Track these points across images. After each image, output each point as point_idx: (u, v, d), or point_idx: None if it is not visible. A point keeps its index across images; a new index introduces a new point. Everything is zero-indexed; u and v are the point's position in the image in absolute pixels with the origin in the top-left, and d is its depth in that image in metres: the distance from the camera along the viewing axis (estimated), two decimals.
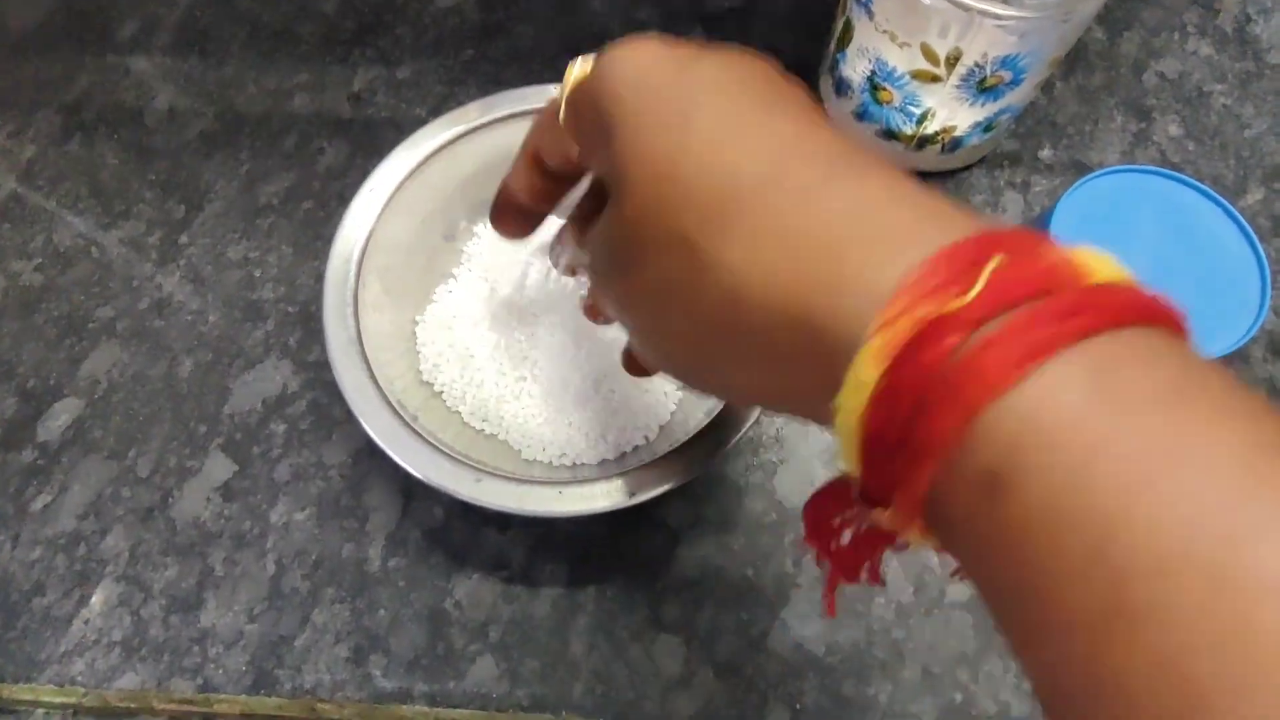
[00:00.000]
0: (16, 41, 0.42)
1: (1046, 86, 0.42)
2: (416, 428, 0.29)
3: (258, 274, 0.37)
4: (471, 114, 0.34)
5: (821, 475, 0.34)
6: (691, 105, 0.15)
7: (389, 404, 0.29)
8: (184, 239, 0.37)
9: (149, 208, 0.38)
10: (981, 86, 0.33)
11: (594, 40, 0.44)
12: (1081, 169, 0.40)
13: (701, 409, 0.31)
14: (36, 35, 0.42)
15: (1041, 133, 0.41)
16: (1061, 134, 0.41)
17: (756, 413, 0.29)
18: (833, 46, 0.37)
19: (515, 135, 0.35)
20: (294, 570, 0.32)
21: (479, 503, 0.27)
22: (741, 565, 0.32)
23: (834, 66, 0.37)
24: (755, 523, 0.33)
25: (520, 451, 0.32)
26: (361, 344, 0.30)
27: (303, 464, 0.33)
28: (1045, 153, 0.40)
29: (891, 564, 0.32)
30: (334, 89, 0.41)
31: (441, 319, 0.34)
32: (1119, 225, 0.37)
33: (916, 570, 0.32)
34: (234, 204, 0.38)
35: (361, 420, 0.28)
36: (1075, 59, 0.42)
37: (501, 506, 0.27)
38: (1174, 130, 0.41)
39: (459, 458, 0.28)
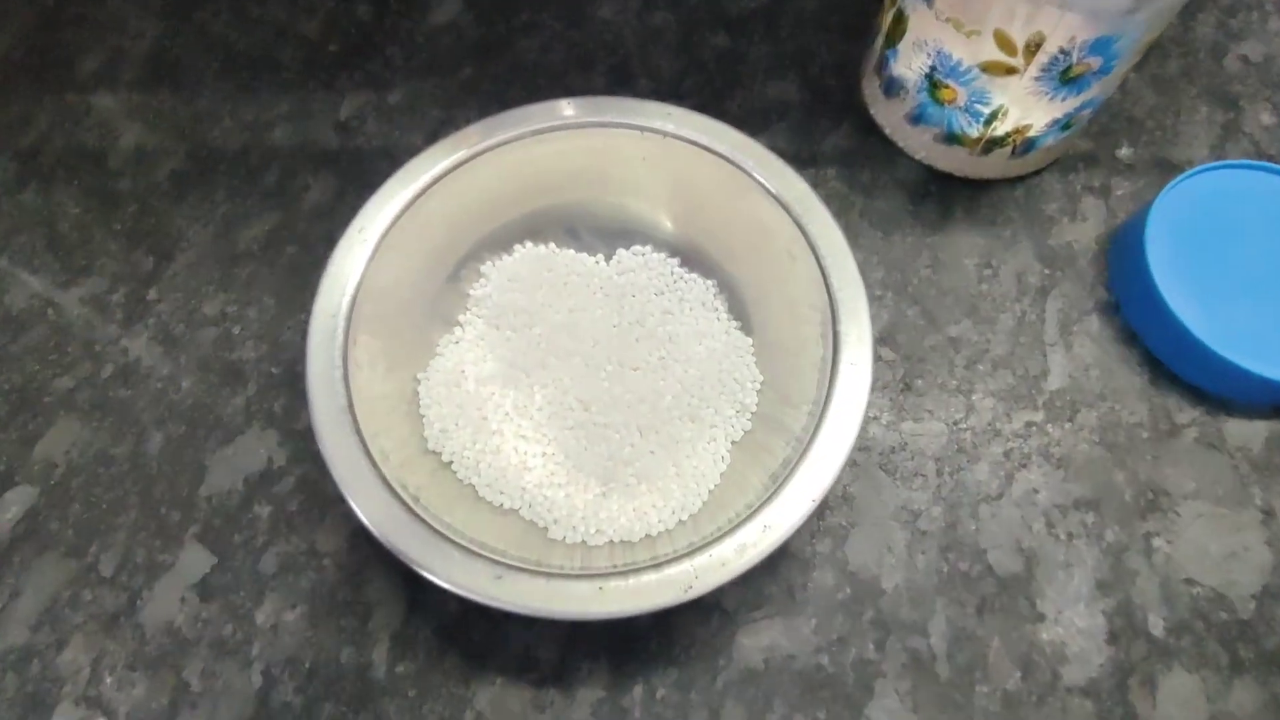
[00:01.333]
0: None
1: None
2: (419, 510, 0.24)
3: (236, 331, 0.32)
4: (472, 138, 0.29)
5: (900, 540, 0.29)
6: None
7: (386, 484, 0.24)
8: (152, 294, 0.33)
9: (113, 261, 0.34)
10: (1065, 77, 0.28)
11: (606, 51, 0.40)
12: (1167, 168, 0.35)
13: (763, 470, 0.26)
14: None
15: (1118, 129, 0.36)
16: (1140, 130, 0.36)
17: (833, 475, 0.24)
18: (880, 43, 0.33)
19: (521, 158, 0.30)
20: (285, 682, 0.27)
21: (499, 605, 0.22)
22: (814, 652, 0.27)
23: (882, 65, 0.33)
24: (826, 600, 0.28)
25: (546, 529, 0.27)
26: (353, 412, 0.25)
27: (292, 552, 0.29)
28: (1124, 151, 0.36)
29: (993, 643, 0.27)
30: (319, 118, 0.37)
31: (447, 376, 0.29)
32: (1221, 228, 0.32)
33: (1023, 650, 0.27)
34: (208, 252, 0.34)
35: (355, 507, 0.24)
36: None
37: (528, 609, 0.22)
38: (1266, 119, 0.36)
39: (473, 548, 0.23)
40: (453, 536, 0.23)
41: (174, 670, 0.27)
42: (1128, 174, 0.35)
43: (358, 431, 0.25)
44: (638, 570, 0.23)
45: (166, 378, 0.32)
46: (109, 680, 0.27)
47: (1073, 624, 0.28)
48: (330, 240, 0.33)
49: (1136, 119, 0.36)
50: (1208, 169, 0.32)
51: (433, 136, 0.36)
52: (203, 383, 0.31)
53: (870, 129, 0.36)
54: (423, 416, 0.28)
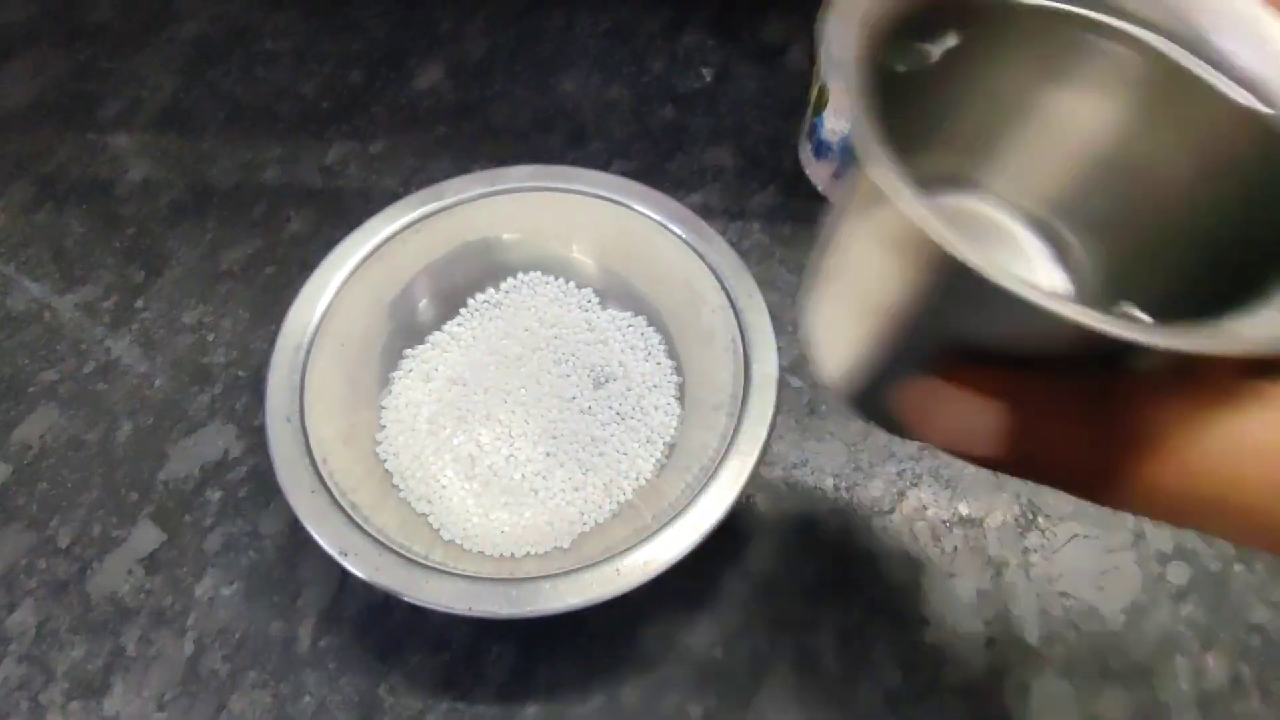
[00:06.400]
0: (3, 120, 0.43)
1: None
2: (351, 510, 0.26)
3: (211, 338, 0.36)
4: (446, 191, 0.33)
5: (799, 545, 0.31)
6: None
7: (322, 481, 0.26)
8: (140, 303, 0.37)
9: (109, 273, 0.38)
10: None
11: (565, 117, 0.45)
12: None
13: (680, 479, 0.29)
14: (23, 114, 0.43)
15: None
16: None
17: (732, 497, 0.26)
18: (809, 113, 0.38)
19: (477, 215, 0.34)
20: (214, 650, 0.29)
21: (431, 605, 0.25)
22: (709, 645, 0.29)
23: (812, 131, 0.38)
24: (725, 597, 0.30)
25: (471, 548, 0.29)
26: (303, 414, 0.28)
27: (236, 533, 0.31)
28: None
29: (877, 644, 0.29)
30: (306, 162, 0.41)
31: (400, 415, 0.32)
32: None
33: (903, 650, 0.29)
34: (194, 270, 0.38)
35: (288, 494, 0.26)
36: None
37: (440, 606, 0.25)
38: None
39: (395, 546, 0.26)
40: (379, 536, 0.26)
41: (113, 636, 0.29)
42: None
43: (304, 430, 0.28)
44: (556, 576, 0.25)
45: (142, 375, 0.35)
46: (51, 642, 0.29)
47: (954, 629, 0.30)
48: (304, 264, 0.37)
49: None
50: None
51: (407, 181, 0.41)
52: (174, 381, 0.35)
53: (795, 190, 0.40)
54: (378, 451, 0.31)
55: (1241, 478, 0.11)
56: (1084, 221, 0.16)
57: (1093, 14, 0.14)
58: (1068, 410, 0.12)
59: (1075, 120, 0.16)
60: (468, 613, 0.24)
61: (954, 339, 0.13)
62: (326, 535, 0.25)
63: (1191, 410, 0.11)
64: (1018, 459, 0.12)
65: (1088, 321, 0.10)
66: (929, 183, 0.16)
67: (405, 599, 0.25)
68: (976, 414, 0.12)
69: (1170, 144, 0.15)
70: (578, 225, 0.34)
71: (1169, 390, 0.11)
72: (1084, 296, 0.16)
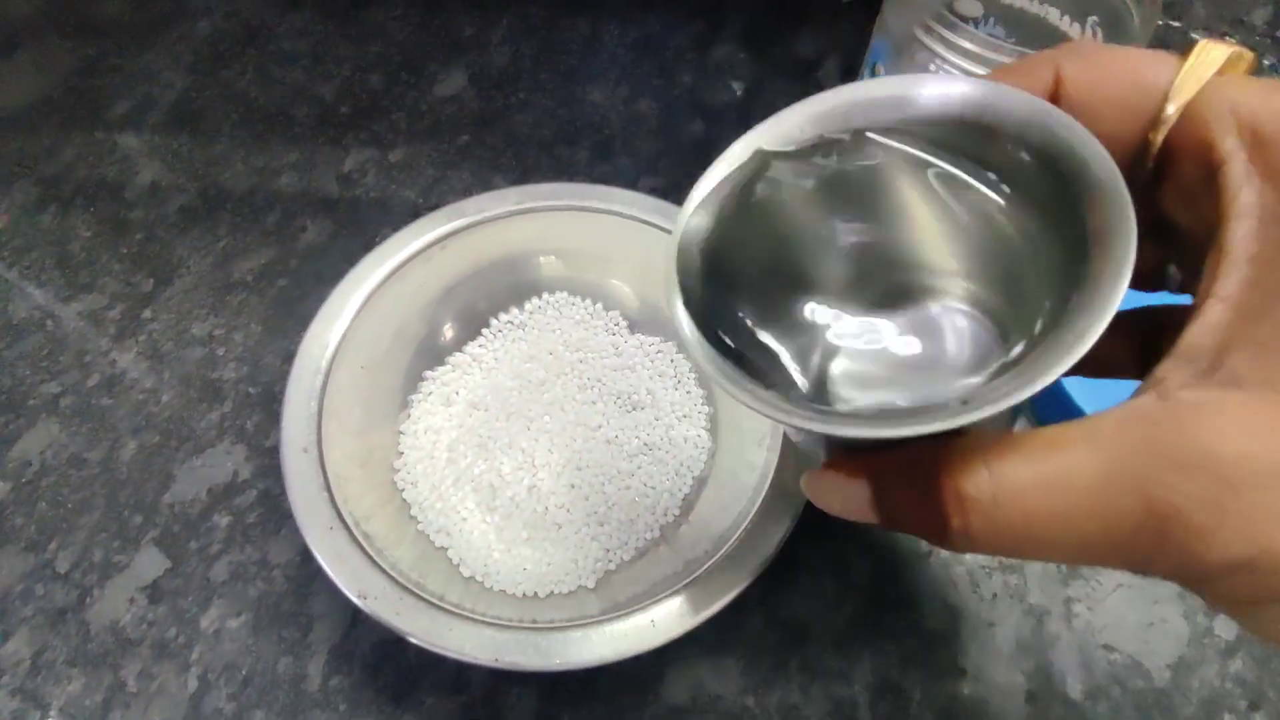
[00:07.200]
0: (6, 117, 0.41)
1: None
2: (367, 545, 0.25)
3: (221, 352, 0.34)
4: (468, 208, 0.32)
5: (833, 590, 0.30)
6: None
7: (338, 513, 0.25)
8: (147, 314, 0.35)
9: (115, 281, 0.36)
10: None
11: (591, 130, 0.44)
12: None
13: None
14: (28, 111, 0.42)
15: None
16: None
17: (775, 542, 0.25)
18: None
19: (502, 233, 0.33)
20: (219, 688, 0.27)
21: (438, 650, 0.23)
22: (739, 693, 0.28)
23: None
24: (755, 643, 0.29)
25: (492, 586, 0.28)
26: (320, 436, 0.27)
27: (244, 562, 0.30)
28: None
29: (914, 696, 0.28)
30: (323, 169, 0.40)
31: (419, 441, 0.30)
32: None
33: (941, 703, 0.28)
34: (205, 279, 0.36)
35: (303, 530, 0.25)
36: None
37: (521, 665, 0.23)
38: None
39: (416, 590, 0.24)
40: (396, 574, 0.25)
41: (112, 669, 0.28)
42: None
43: (321, 462, 0.26)
44: (587, 625, 0.24)
45: (149, 390, 0.33)
46: (47, 674, 0.27)
47: (993, 681, 0.28)
48: (320, 277, 0.36)
49: None
50: None
51: (426, 191, 0.39)
52: (182, 397, 0.33)
53: None
54: (394, 476, 0.29)
55: (1032, 511, 0.13)
56: (992, 286, 0.19)
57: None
58: (904, 480, 0.15)
59: (949, 207, 0.18)
60: (495, 664, 0.23)
61: (827, 445, 0.18)
62: (345, 577, 0.24)
63: (985, 462, 0.14)
64: (887, 519, 0.16)
65: (843, 431, 0.15)
66: (888, 299, 0.18)
67: (428, 648, 0.23)
68: (848, 490, 0.16)
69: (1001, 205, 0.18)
70: (614, 249, 0.33)
71: (969, 450, 0.14)
72: (1006, 348, 0.18)
